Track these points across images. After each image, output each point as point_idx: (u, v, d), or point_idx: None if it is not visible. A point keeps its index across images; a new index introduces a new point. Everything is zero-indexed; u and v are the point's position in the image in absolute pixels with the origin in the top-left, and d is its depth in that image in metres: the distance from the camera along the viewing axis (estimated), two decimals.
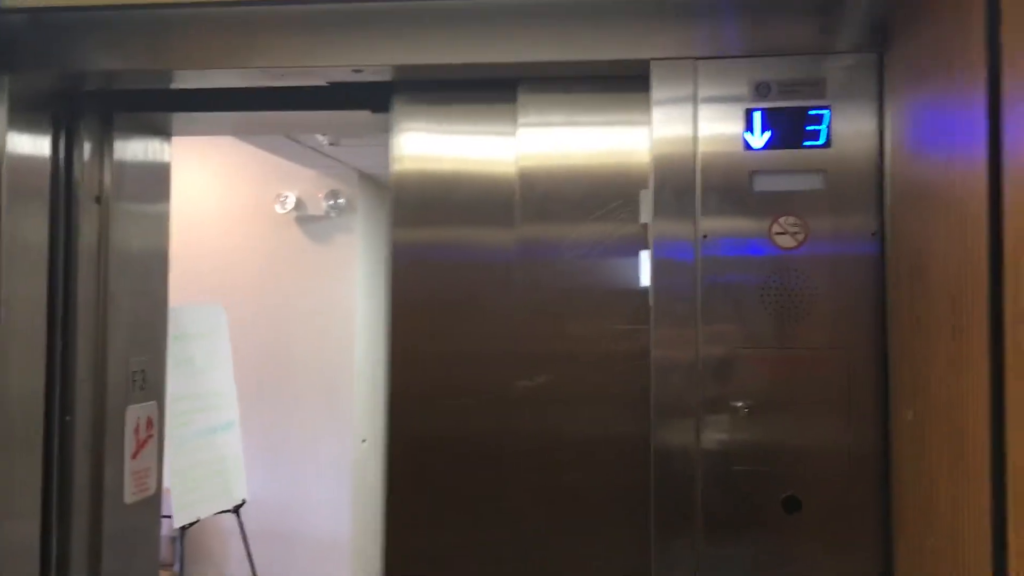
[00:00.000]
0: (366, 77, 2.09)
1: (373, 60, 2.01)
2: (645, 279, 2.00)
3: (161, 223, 2.63)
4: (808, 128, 1.88)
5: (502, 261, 2.11)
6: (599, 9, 1.93)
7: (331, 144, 4.17)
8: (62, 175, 2.29)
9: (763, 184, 1.90)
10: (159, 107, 2.43)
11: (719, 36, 1.91)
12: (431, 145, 2.15)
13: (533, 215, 2.09)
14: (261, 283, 5.18)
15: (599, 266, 2.06)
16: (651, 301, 1.93)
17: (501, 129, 2.13)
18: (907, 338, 1.69)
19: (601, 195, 2.06)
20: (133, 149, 2.50)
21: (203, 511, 4.49)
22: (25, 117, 2.14)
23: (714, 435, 1.88)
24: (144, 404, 2.51)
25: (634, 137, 2.05)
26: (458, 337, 2.13)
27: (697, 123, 1.92)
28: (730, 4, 1.90)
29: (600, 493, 2.05)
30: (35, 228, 2.19)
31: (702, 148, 1.91)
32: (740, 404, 1.87)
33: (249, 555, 4.85)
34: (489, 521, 2.10)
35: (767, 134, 1.89)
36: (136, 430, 2.47)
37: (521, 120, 2.10)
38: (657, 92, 1.93)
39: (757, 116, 1.89)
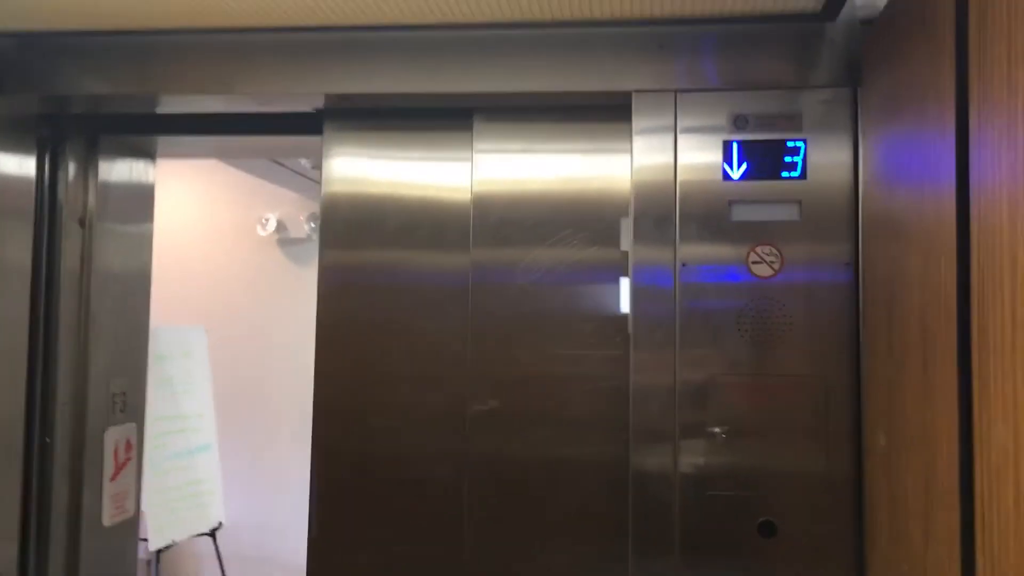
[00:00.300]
0: (356, 103, 2.13)
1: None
2: (624, 305, 2.03)
3: (144, 244, 2.64)
4: (785, 160, 1.93)
5: (435, 284, 2.15)
6: (585, 43, 1.98)
7: (314, 167, 4.19)
8: (46, 196, 2.30)
9: (741, 214, 1.94)
10: (144, 130, 2.44)
11: (699, 70, 1.96)
12: (361, 169, 2.19)
13: (488, 240, 2.12)
14: (242, 305, 5.17)
15: (553, 291, 2.09)
16: (630, 327, 1.96)
17: (448, 155, 2.17)
18: (880, 366, 1.72)
19: (557, 221, 2.10)
20: (118, 171, 2.51)
21: (179, 534, 4.45)
22: (11, 138, 2.16)
23: (691, 460, 1.91)
24: (124, 426, 2.51)
25: (592, 165, 2.10)
26: (390, 360, 2.16)
27: (677, 153, 1.96)
28: (710, 39, 1.95)
29: (549, 515, 2.06)
30: (18, 248, 2.20)
31: (681, 177, 1.95)
32: (717, 429, 1.90)
33: None
34: (431, 545, 2.12)
35: (744, 165, 1.93)
36: (115, 452, 2.47)
37: (477, 147, 2.14)
38: (638, 122, 1.97)
39: (735, 147, 1.93)
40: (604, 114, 2.05)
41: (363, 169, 2.19)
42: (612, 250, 2.07)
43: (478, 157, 2.13)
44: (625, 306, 2.04)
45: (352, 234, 2.19)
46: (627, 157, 2.03)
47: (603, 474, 2.04)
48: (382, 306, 2.16)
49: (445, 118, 2.15)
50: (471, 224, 2.12)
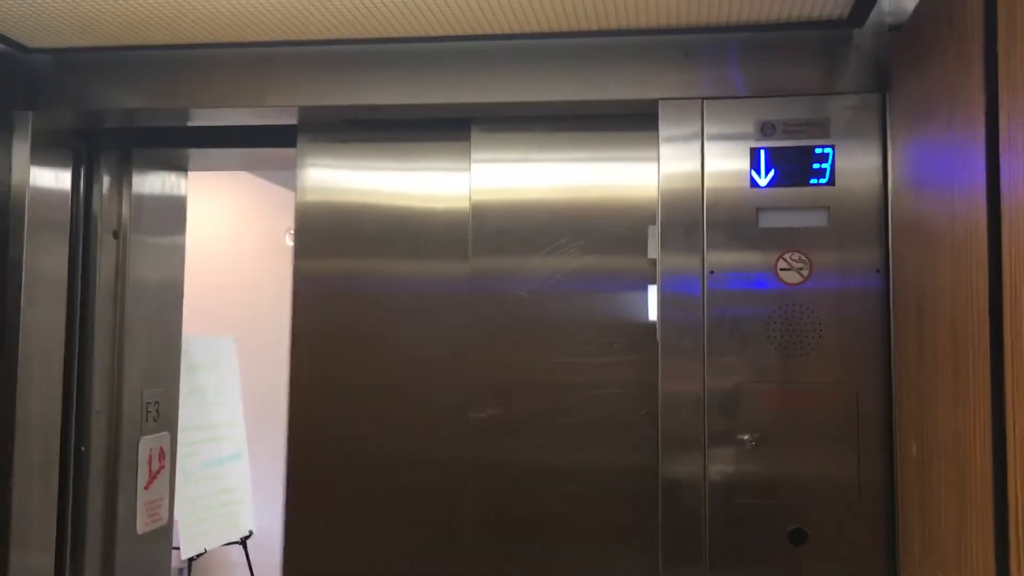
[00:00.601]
0: (380, 115, 2.15)
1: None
2: (652, 313, 2.04)
3: (176, 256, 2.68)
4: (813, 166, 1.92)
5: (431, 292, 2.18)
6: (611, 52, 1.99)
7: None
8: (81, 209, 2.35)
9: (768, 220, 1.93)
10: (176, 143, 2.48)
11: (726, 77, 1.96)
12: (330, 179, 2.24)
13: (486, 249, 2.14)
14: (271, 314, 5.19)
15: (553, 299, 2.10)
16: (658, 335, 1.96)
17: (447, 166, 2.19)
18: (911, 373, 1.71)
19: (553, 229, 2.11)
20: (150, 183, 2.55)
21: (210, 542, 4.49)
22: (47, 153, 2.20)
23: (721, 468, 1.90)
24: (157, 435, 2.54)
25: (589, 173, 2.12)
26: (364, 367, 2.18)
27: (704, 161, 1.96)
28: (736, 47, 1.96)
29: (551, 520, 2.07)
30: (55, 260, 2.24)
31: (709, 184, 1.95)
32: (747, 437, 1.89)
33: None
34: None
35: (772, 172, 1.93)
36: (149, 460, 2.50)
37: (475, 157, 2.15)
38: (665, 130, 1.97)
39: (763, 154, 1.93)
40: (617, 123, 2.09)
41: (329, 179, 2.23)
42: (613, 258, 2.09)
43: (476, 167, 2.15)
44: (631, 313, 2.06)
45: (330, 243, 2.23)
46: (636, 165, 2.08)
47: (609, 480, 2.05)
48: (360, 316, 2.19)
49: (443, 128, 2.18)
50: (470, 233, 2.14)
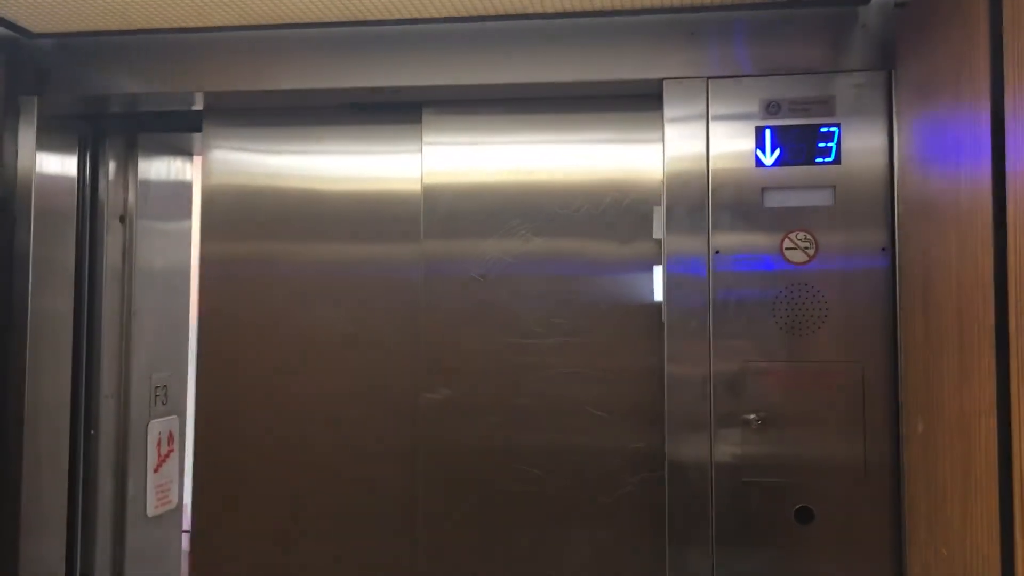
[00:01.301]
0: (388, 97, 2.14)
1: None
2: (658, 294, 2.03)
3: (183, 240, 2.68)
4: (819, 145, 1.91)
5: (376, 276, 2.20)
6: (616, 32, 1.98)
7: None
8: (88, 194, 2.35)
9: (774, 200, 1.93)
10: (182, 128, 2.48)
11: (731, 56, 1.95)
12: (239, 163, 2.26)
13: (438, 232, 2.15)
14: None
15: (504, 281, 2.11)
16: (664, 316, 1.96)
17: (400, 148, 2.21)
18: (917, 351, 1.71)
19: (507, 212, 2.12)
20: (156, 168, 2.56)
21: None
22: (53, 138, 2.21)
23: (727, 448, 1.91)
24: (166, 418, 2.55)
25: (536, 155, 2.13)
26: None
27: (709, 141, 1.95)
28: (741, 25, 1.94)
29: (505, 507, 2.09)
30: (62, 246, 2.25)
31: (714, 165, 1.95)
32: (752, 417, 1.90)
33: None
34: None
35: (777, 151, 1.92)
36: (158, 444, 2.52)
37: (427, 139, 2.16)
38: (670, 110, 1.97)
39: (768, 133, 1.92)
40: (562, 105, 2.11)
41: (235, 164, 2.26)
42: (568, 240, 2.10)
43: (428, 149, 2.16)
44: (593, 295, 2.08)
45: (258, 227, 2.24)
46: (594, 147, 2.10)
47: (563, 460, 2.07)
48: (311, 299, 2.21)
49: (395, 111, 2.19)
50: (422, 216, 2.15)
